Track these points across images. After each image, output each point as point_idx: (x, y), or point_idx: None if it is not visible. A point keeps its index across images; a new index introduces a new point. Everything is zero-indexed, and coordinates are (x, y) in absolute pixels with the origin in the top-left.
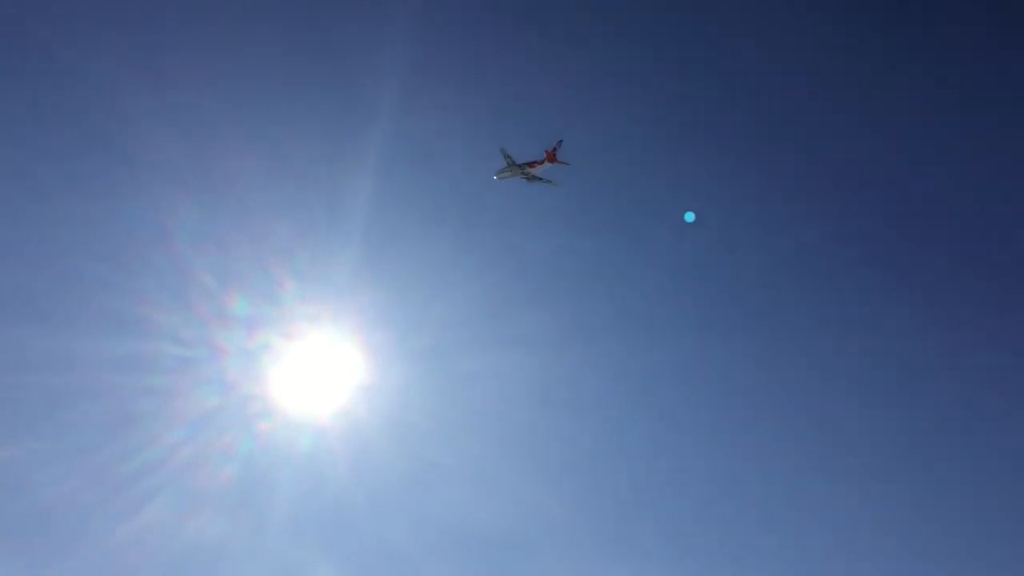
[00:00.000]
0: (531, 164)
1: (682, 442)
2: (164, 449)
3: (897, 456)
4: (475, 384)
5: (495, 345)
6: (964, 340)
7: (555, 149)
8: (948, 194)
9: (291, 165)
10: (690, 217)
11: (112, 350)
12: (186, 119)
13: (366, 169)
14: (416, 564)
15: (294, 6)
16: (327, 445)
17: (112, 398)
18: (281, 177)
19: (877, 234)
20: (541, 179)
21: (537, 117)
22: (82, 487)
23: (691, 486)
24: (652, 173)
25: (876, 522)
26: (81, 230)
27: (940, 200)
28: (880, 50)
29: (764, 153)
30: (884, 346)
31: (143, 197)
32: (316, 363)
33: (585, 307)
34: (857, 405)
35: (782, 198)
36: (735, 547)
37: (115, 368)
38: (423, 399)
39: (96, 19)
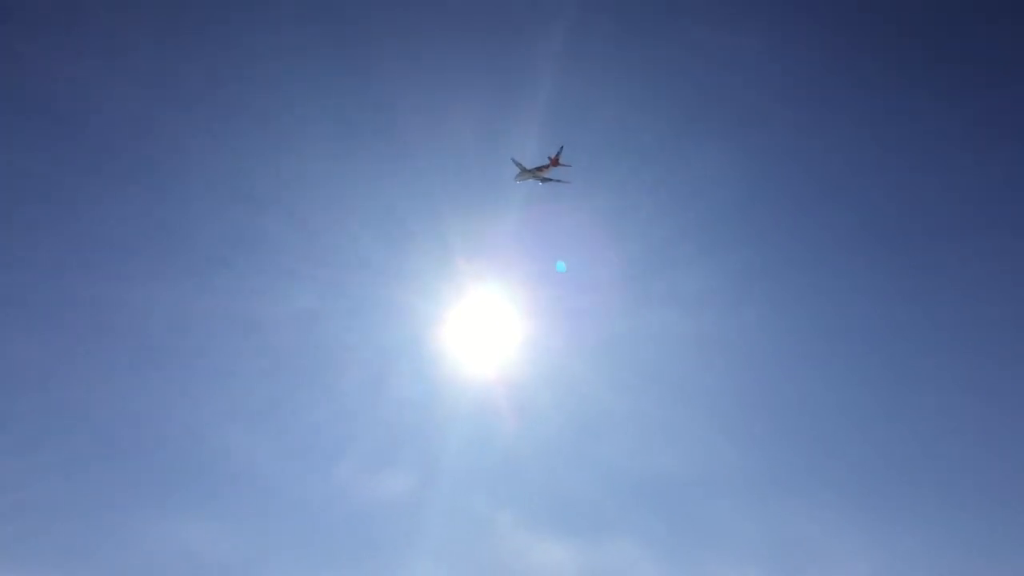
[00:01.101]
0: (540, 168)
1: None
2: (343, 411)
3: None
4: (637, 339)
5: (656, 302)
6: None
7: (558, 154)
8: None
9: (458, 125)
10: (561, 267)
11: (288, 308)
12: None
13: (530, 126)
14: (592, 510)
15: None
16: (495, 398)
17: (289, 355)
18: (448, 138)
19: None
20: (551, 179)
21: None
22: (272, 449)
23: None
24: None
25: None
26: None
27: None
28: None
29: None
30: None
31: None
32: (483, 320)
33: (749, 265)
34: None
35: None
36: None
37: (290, 326)
38: (588, 354)
39: None
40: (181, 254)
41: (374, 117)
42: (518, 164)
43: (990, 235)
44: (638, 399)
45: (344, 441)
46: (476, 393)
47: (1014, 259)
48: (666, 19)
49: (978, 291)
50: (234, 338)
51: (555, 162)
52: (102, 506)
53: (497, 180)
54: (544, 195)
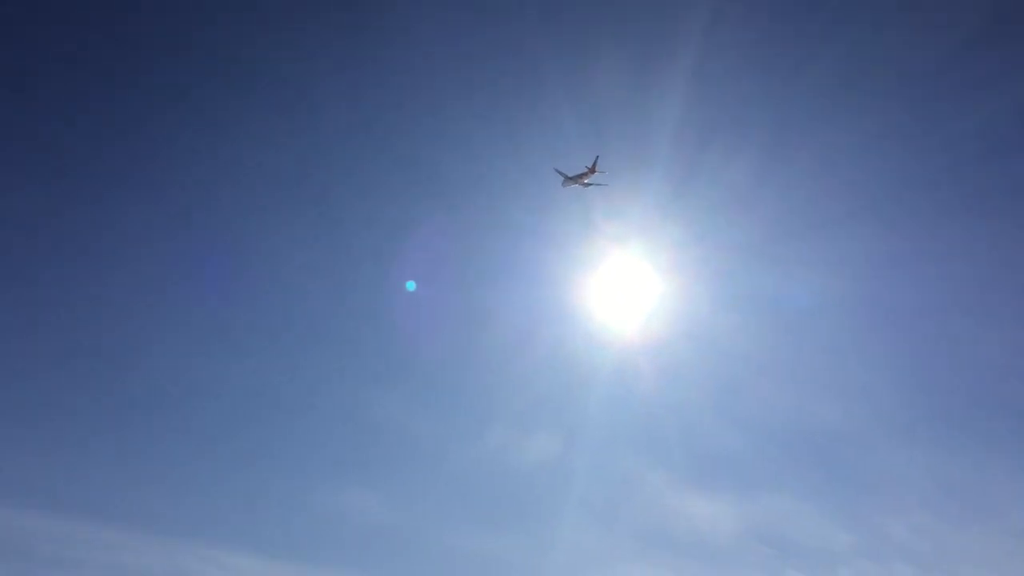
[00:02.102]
0: (581, 175)
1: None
2: (490, 377)
3: None
4: (783, 297)
5: (804, 262)
6: None
7: (594, 164)
8: None
9: (601, 90)
10: (411, 286)
11: (435, 279)
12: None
13: (674, 91)
14: (746, 465)
15: None
16: (637, 359)
17: (439, 323)
18: (592, 100)
19: None
20: (592, 184)
21: None
22: (432, 419)
23: None
24: None
25: None
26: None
27: None
28: None
29: None
30: None
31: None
32: (625, 281)
33: (895, 228)
34: None
35: None
36: None
37: (437, 295)
38: (733, 313)
39: None
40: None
41: (518, 79)
42: (561, 173)
43: None
44: (787, 354)
45: (492, 406)
46: (618, 354)
47: None
48: None
49: None
50: (386, 313)
51: (592, 170)
52: (284, 480)
53: (639, 142)
54: (689, 159)
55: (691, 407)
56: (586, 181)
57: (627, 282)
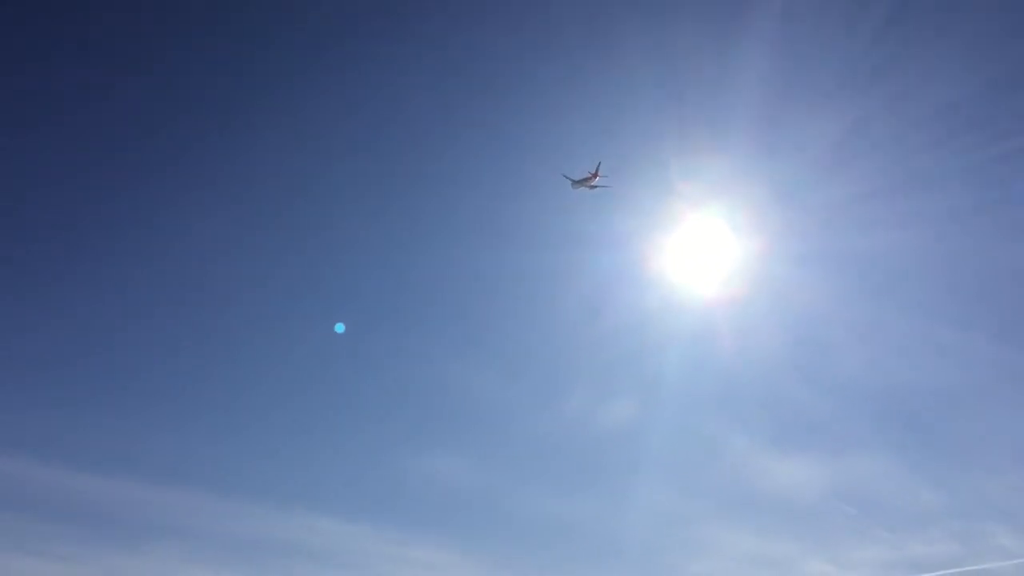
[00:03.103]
0: (586, 180)
1: None
2: (566, 341)
3: None
4: (868, 256)
5: (891, 221)
6: None
7: (597, 170)
8: None
9: (680, 49)
10: (340, 328)
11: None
12: None
13: (757, 48)
14: (833, 427)
15: None
16: (714, 321)
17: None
18: (667, 62)
19: None
20: (598, 186)
21: None
22: (512, 385)
23: None
24: None
25: None
26: None
27: None
28: None
29: None
30: None
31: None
32: (701, 243)
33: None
34: None
35: None
36: None
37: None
38: (816, 272)
39: None
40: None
41: (594, 40)
42: (568, 178)
43: None
44: (874, 314)
45: (570, 372)
46: (696, 317)
47: None
48: None
49: None
50: (464, 282)
51: (595, 175)
52: (376, 449)
53: (720, 101)
54: (772, 118)
55: (773, 369)
56: (592, 184)
57: (706, 244)
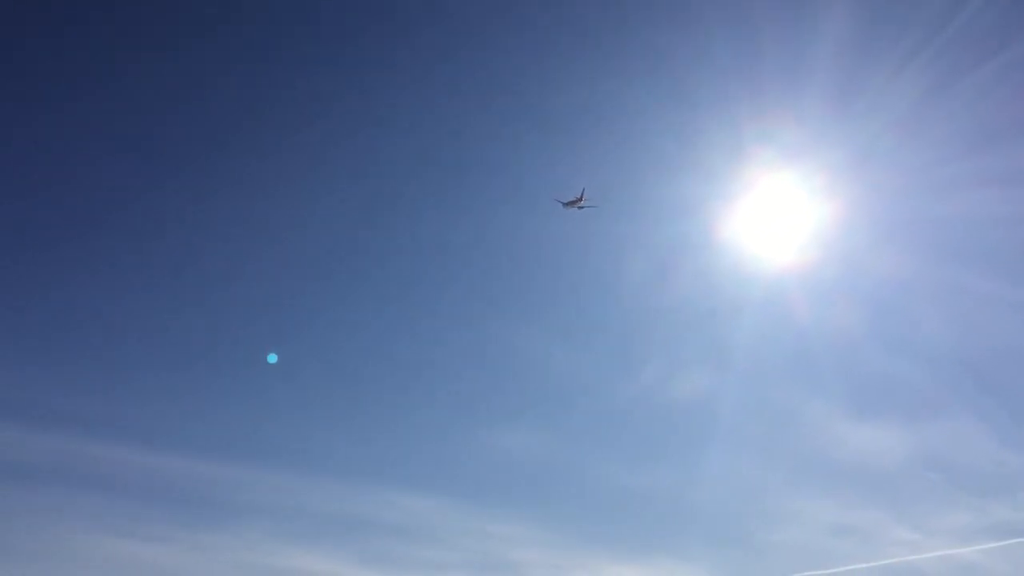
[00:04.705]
0: (573, 202)
1: None
2: (637, 314)
3: None
4: (949, 223)
5: (969, 184)
6: None
7: (582, 194)
8: None
9: (756, 8)
10: (272, 358)
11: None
12: None
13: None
14: (915, 391)
15: None
16: (787, 287)
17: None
18: (746, 21)
19: None
20: (585, 206)
21: None
22: (583, 357)
23: None
24: None
25: None
26: None
27: None
28: None
29: None
30: None
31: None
32: (775, 208)
33: None
34: None
35: None
36: None
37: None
38: (895, 236)
39: None
40: None
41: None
42: (559, 201)
43: None
44: (957, 276)
45: (641, 342)
46: (769, 283)
47: None
48: None
49: None
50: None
51: (581, 199)
52: (450, 423)
53: (796, 62)
54: (850, 78)
55: (851, 335)
56: (579, 205)
57: (780, 209)
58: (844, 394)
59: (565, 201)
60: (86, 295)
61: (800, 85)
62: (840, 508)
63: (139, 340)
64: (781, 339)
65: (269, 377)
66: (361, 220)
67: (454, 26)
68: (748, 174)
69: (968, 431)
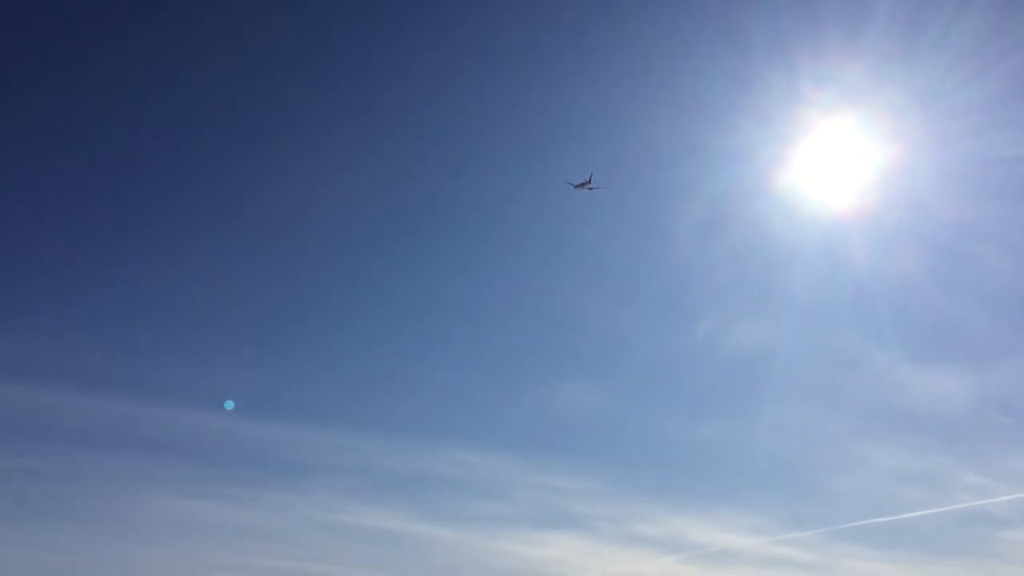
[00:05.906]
0: (583, 184)
1: None
2: (691, 265)
3: None
4: (1011, 163)
5: None
6: None
7: (590, 178)
8: None
9: None
10: (229, 405)
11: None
12: None
13: None
14: (980, 335)
15: None
16: (845, 233)
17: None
18: None
19: None
20: (594, 188)
21: None
22: (636, 309)
23: None
24: None
25: None
26: None
27: None
28: None
29: None
30: None
31: None
32: (833, 152)
33: None
34: None
35: None
36: None
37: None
38: (954, 183)
39: None
40: None
41: None
42: (570, 183)
43: None
44: (1018, 218)
45: (699, 291)
46: (828, 229)
47: None
48: None
49: None
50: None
51: (588, 182)
52: (507, 379)
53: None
54: (910, 16)
55: (912, 280)
56: (588, 187)
57: (838, 153)
58: (907, 339)
59: (576, 184)
60: (161, 266)
61: (859, 22)
62: (905, 454)
63: (211, 308)
64: (841, 286)
65: (337, 343)
66: (439, 179)
67: None
68: (805, 117)
69: None
